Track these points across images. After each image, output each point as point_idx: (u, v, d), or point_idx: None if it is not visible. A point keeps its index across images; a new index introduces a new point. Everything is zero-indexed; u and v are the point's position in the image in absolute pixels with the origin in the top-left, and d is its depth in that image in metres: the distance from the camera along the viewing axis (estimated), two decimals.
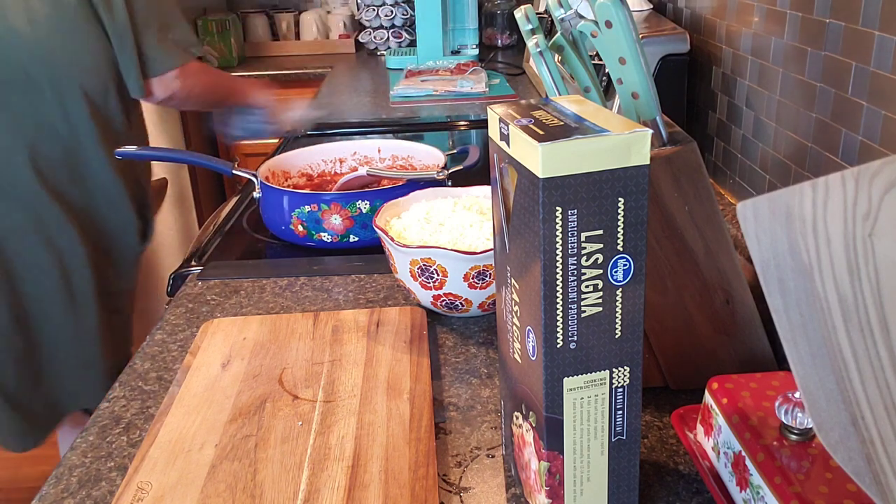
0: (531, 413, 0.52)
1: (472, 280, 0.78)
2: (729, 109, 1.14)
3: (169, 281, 1.02)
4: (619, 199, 0.45)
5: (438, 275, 0.78)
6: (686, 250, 0.65)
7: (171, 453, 0.62)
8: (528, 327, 0.49)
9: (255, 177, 1.09)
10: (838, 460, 0.37)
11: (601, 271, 0.46)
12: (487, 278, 0.78)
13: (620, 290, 0.47)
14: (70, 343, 1.38)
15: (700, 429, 0.61)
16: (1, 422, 1.36)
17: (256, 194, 1.09)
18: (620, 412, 0.51)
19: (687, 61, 1.24)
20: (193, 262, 1.04)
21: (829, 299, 0.36)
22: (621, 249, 0.46)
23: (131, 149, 1.16)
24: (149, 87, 1.36)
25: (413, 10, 2.55)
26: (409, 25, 2.78)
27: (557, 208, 0.44)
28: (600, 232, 0.45)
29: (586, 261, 0.46)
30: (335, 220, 1.01)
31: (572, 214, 0.44)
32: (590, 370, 0.49)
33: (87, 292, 1.37)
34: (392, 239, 0.79)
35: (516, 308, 0.51)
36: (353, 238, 1.02)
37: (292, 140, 1.68)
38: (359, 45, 2.89)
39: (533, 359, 0.50)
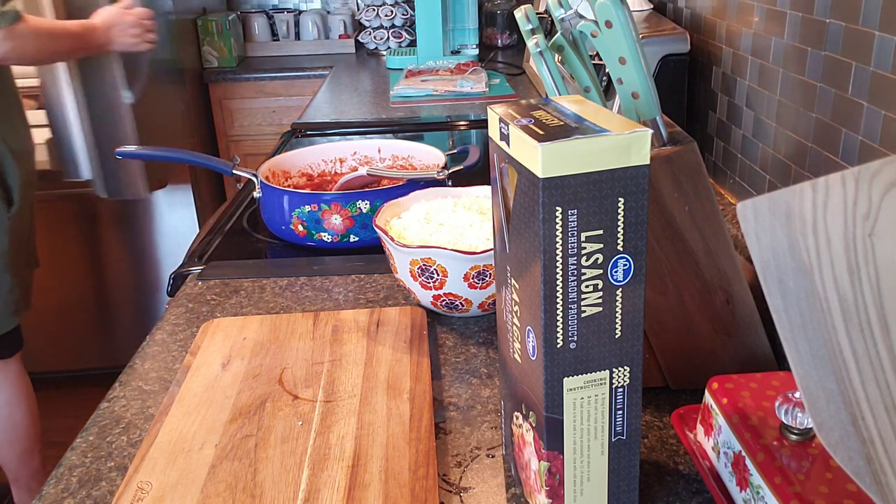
0: (531, 413, 0.52)
1: (472, 280, 0.78)
2: (729, 109, 1.14)
3: (169, 281, 1.02)
4: (619, 199, 0.45)
5: (438, 275, 0.78)
6: (686, 250, 0.65)
7: (171, 453, 0.62)
8: (528, 327, 0.49)
9: (256, 177, 1.09)
10: (838, 460, 0.37)
11: (601, 271, 0.46)
12: (487, 278, 0.78)
13: (620, 290, 0.47)
14: None
15: (700, 429, 0.61)
16: None
17: (256, 194, 1.09)
18: (620, 412, 0.51)
19: (687, 61, 1.24)
20: (193, 262, 1.04)
21: (829, 299, 0.36)
22: (621, 249, 0.46)
23: (131, 148, 1.16)
24: None
25: (413, 10, 2.56)
26: (409, 25, 2.78)
27: (557, 208, 0.44)
28: (600, 232, 0.45)
29: (586, 261, 0.46)
30: (335, 220, 1.01)
31: (572, 214, 0.44)
32: (590, 370, 0.49)
33: None
34: (392, 239, 0.79)
35: (516, 308, 0.51)
36: (353, 238, 1.02)
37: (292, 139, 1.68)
38: (359, 45, 2.89)
39: (533, 359, 0.50)
